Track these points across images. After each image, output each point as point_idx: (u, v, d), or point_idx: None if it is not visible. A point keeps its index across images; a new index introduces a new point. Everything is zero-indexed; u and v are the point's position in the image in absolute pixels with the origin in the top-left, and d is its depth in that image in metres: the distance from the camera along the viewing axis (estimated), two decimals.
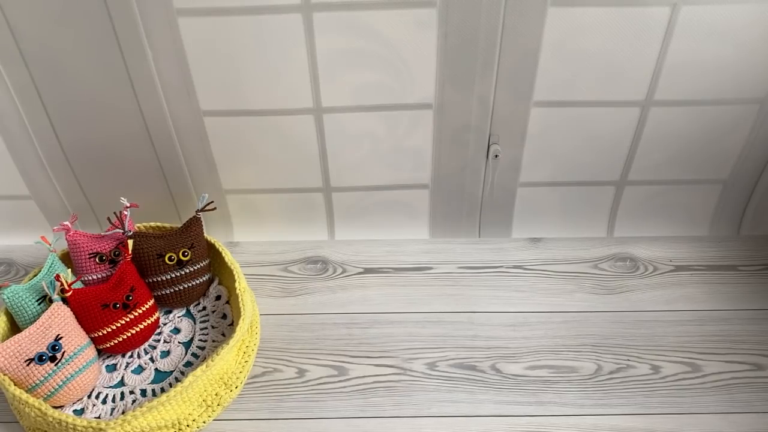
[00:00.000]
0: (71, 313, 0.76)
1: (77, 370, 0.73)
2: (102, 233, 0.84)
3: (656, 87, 0.81)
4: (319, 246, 0.97)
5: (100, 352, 0.79)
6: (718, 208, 0.95)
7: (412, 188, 0.93)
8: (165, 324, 0.84)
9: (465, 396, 0.76)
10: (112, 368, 0.79)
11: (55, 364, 0.71)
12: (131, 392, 0.76)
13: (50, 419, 0.68)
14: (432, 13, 0.74)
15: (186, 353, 0.81)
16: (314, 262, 0.94)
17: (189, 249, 0.83)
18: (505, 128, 0.85)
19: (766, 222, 0.96)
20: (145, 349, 0.81)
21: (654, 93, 0.81)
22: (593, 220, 0.97)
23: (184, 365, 0.79)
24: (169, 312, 0.85)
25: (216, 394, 0.74)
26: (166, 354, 0.81)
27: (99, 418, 0.74)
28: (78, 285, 0.79)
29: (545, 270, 0.92)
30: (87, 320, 0.76)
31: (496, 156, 0.88)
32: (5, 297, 0.76)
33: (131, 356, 0.80)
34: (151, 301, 0.81)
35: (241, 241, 0.98)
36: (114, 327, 0.77)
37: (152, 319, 0.80)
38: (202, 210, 0.85)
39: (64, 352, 0.72)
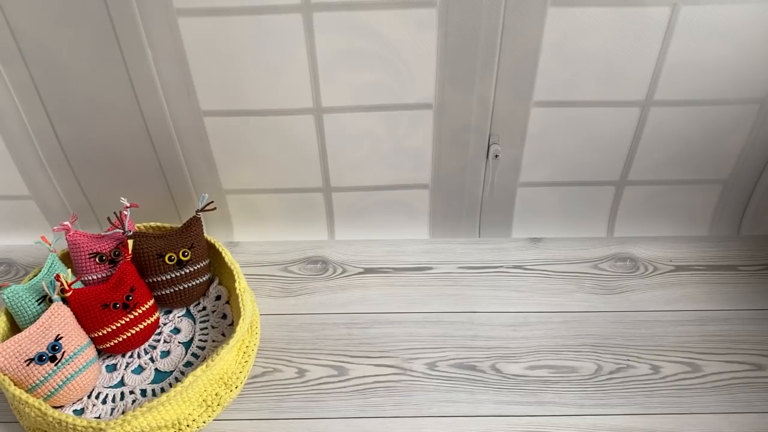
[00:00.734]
0: (71, 313, 0.76)
1: (77, 370, 0.73)
2: (102, 233, 0.84)
3: (656, 87, 0.81)
4: (319, 246, 0.97)
5: (100, 352, 0.79)
6: (718, 208, 0.95)
7: (412, 188, 0.93)
8: (165, 324, 0.84)
9: (465, 396, 0.76)
10: (112, 368, 0.79)
11: (55, 364, 0.71)
12: (131, 392, 0.76)
13: (50, 419, 0.68)
14: (432, 13, 0.74)
15: (186, 353, 0.81)
16: (314, 262, 0.94)
17: (189, 249, 0.83)
18: (505, 128, 0.85)
19: (766, 222, 0.96)
20: (145, 349, 0.81)
21: (654, 93, 0.81)
22: (593, 220, 0.97)
23: (184, 365, 0.79)
24: (169, 312, 0.85)
25: (216, 394, 0.74)
26: (166, 354, 0.81)
27: (99, 418, 0.74)
28: (78, 285, 0.79)
29: (545, 270, 0.92)
30: (87, 320, 0.76)
31: (496, 156, 0.88)
32: (5, 297, 0.76)
33: (131, 356, 0.80)
34: (151, 301, 0.81)
35: (241, 241, 0.98)
36: (114, 327, 0.77)
37: (152, 319, 0.80)
38: (202, 210, 0.85)
39: (64, 352, 0.72)
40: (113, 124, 0.84)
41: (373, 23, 0.75)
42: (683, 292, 0.88)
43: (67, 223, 0.82)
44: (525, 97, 0.82)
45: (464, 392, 0.77)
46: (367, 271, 0.93)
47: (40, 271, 0.80)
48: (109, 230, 0.83)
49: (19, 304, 0.76)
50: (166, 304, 0.84)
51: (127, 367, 0.79)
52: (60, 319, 0.74)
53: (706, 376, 0.78)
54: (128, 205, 0.83)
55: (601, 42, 0.77)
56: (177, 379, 0.78)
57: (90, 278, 0.83)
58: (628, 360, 0.80)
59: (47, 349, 0.72)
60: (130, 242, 0.81)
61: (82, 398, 0.75)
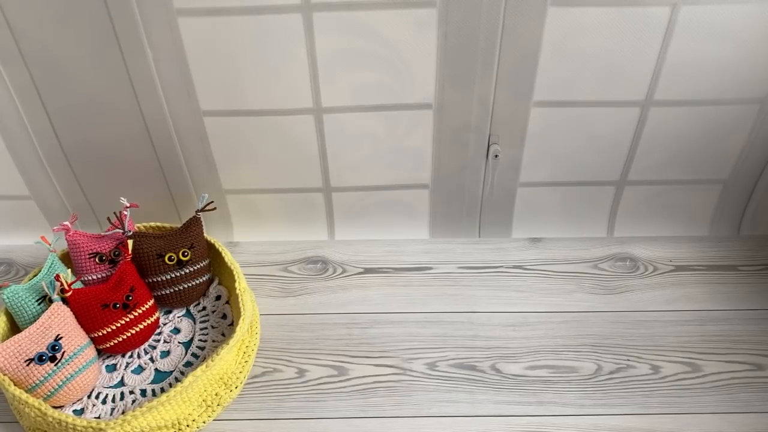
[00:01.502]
0: (71, 313, 0.76)
1: (77, 370, 0.73)
2: (102, 233, 0.84)
3: (656, 87, 0.81)
4: (319, 246, 0.97)
5: (100, 352, 0.79)
6: (718, 208, 0.95)
7: (412, 188, 0.93)
8: (165, 324, 0.84)
9: (465, 396, 0.76)
10: (112, 368, 0.79)
11: (55, 364, 0.71)
12: (131, 392, 0.76)
13: (50, 419, 0.68)
14: (432, 13, 0.74)
15: (186, 353, 0.81)
16: (314, 262, 0.94)
17: (189, 249, 0.83)
18: (505, 128, 0.85)
19: (766, 222, 0.96)
20: (145, 349, 0.81)
21: (654, 93, 0.81)
22: (593, 220, 0.97)
23: (184, 365, 0.79)
24: (169, 312, 0.85)
25: (216, 394, 0.74)
26: (166, 354, 0.81)
27: (99, 418, 0.74)
28: (78, 285, 0.79)
29: (545, 270, 0.92)
30: (87, 320, 0.76)
31: (496, 156, 0.88)
32: (5, 297, 0.76)
33: (131, 356, 0.80)
34: (151, 301, 0.81)
35: (241, 241, 0.98)
36: (114, 327, 0.77)
37: (152, 319, 0.80)
38: (202, 210, 0.85)
39: (64, 352, 0.72)
40: (113, 125, 0.84)
41: (373, 23, 0.75)
42: (683, 292, 0.88)
43: (67, 223, 0.82)
44: (525, 97, 0.82)
45: (464, 392, 0.77)
46: (367, 271, 0.93)
47: (40, 271, 0.80)
48: (109, 230, 0.83)
49: (19, 304, 0.76)
50: (166, 304, 0.84)
51: (127, 367, 0.79)
52: (60, 319, 0.74)
53: (706, 376, 0.78)
54: (128, 205, 0.83)
55: (601, 42, 0.77)
56: (177, 379, 0.78)
57: (90, 278, 0.83)
58: (628, 360, 0.80)
59: (47, 349, 0.72)
60: (130, 242, 0.81)
61: (82, 398, 0.75)
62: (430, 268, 0.93)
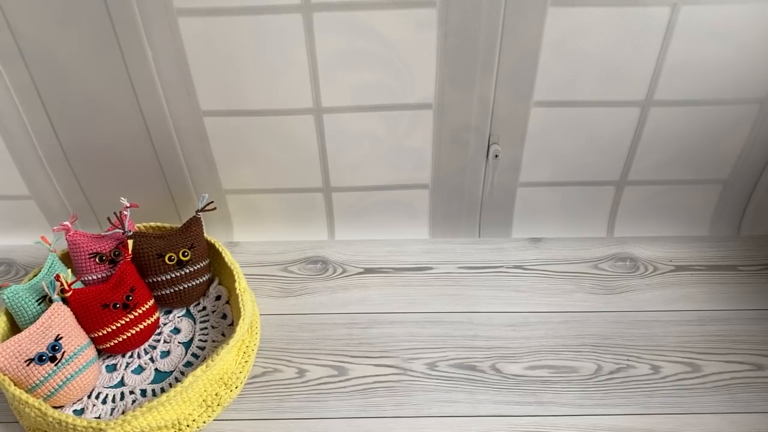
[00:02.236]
0: (71, 313, 0.76)
1: (77, 370, 0.73)
2: (102, 233, 0.84)
3: (656, 87, 0.81)
4: (319, 246, 0.97)
5: (100, 352, 0.79)
6: (718, 208, 0.95)
7: (412, 188, 0.93)
8: (165, 324, 0.84)
9: (465, 396, 0.76)
10: (112, 368, 0.79)
11: (55, 364, 0.71)
12: (131, 392, 0.76)
13: (50, 419, 0.68)
14: (432, 13, 0.74)
15: (186, 353, 0.81)
16: (314, 262, 0.94)
17: (189, 249, 0.83)
18: (505, 128, 0.85)
19: (766, 222, 0.96)
20: (145, 349, 0.81)
21: (654, 93, 0.81)
22: (593, 220, 0.97)
23: (184, 365, 0.79)
24: (169, 312, 0.85)
25: (216, 394, 0.74)
26: (166, 354, 0.81)
27: (99, 418, 0.74)
28: (78, 285, 0.79)
29: (545, 270, 0.92)
30: (87, 320, 0.76)
31: (496, 156, 0.88)
32: (5, 297, 0.76)
33: (131, 356, 0.80)
34: (151, 301, 0.81)
35: (241, 241, 0.98)
36: (114, 327, 0.77)
37: (152, 319, 0.80)
38: (202, 210, 0.85)
39: (64, 352, 0.72)
40: (113, 125, 0.85)
41: (373, 23, 0.75)
42: (683, 292, 0.88)
43: (67, 223, 0.82)
44: (525, 97, 0.82)
45: (464, 392, 0.77)
46: (367, 271, 0.93)
47: (40, 271, 0.80)
48: (109, 230, 0.83)
49: (19, 304, 0.76)
50: (166, 304, 0.84)
51: (127, 367, 0.79)
52: (60, 319, 0.74)
53: (706, 376, 0.78)
54: (128, 205, 0.83)
55: (601, 42, 0.77)
56: (177, 379, 0.78)
57: (90, 278, 0.83)
58: (628, 360, 0.80)
59: (47, 349, 0.72)
60: (130, 242, 0.81)
61: (82, 398, 0.75)
62: (430, 268, 0.93)
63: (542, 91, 0.81)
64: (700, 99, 0.82)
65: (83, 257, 0.82)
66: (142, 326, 0.79)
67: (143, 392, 0.77)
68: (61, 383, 0.72)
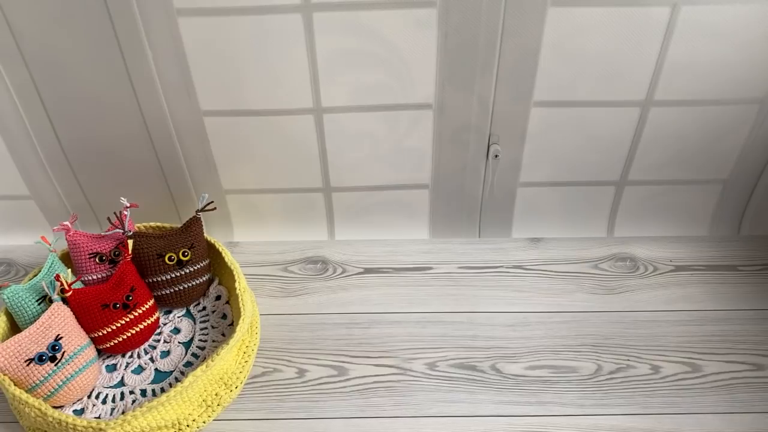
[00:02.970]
0: (71, 313, 0.76)
1: (77, 370, 0.73)
2: (102, 233, 0.84)
3: (656, 87, 0.81)
4: (319, 246, 0.97)
5: (100, 352, 0.79)
6: (718, 208, 0.95)
7: (412, 188, 0.93)
8: (165, 324, 0.84)
9: (465, 396, 0.76)
10: (112, 368, 0.79)
11: (55, 364, 0.71)
12: (131, 392, 0.76)
13: (50, 419, 0.68)
14: (432, 13, 0.74)
15: (186, 353, 0.81)
16: (314, 262, 0.94)
17: (189, 249, 0.83)
18: (505, 128, 0.85)
19: (766, 222, 0.96)
20: (145, 349, 0.81)
21: (654, 93, 0.81)
22: (593, 220, 0.97)
23: (184, 365, 0.79)
24: (169, 312, 0.85)
25: (216, 394, 0.74)
26: (166, 354, 0.81)
27: (99, 418, 0.74)
28: (78, 285, 0.79)
29: (545, 270, 0.92)
30: (87, 320, 0.76)
31: (496, 156, 0.88)
32: (5, 297, 0.76)
33: (131, 356, 0.80)
34: (151, 301, 0.81)
35: (241, 241, 0.98)
36: (114, 327, 0.77)
37: (152, 319, 0.80)
38: (202, 210, 0.85)
39: (64, 352, 0.72)
40: (113, 124, 0.85)
41: (373, 23, 0.75)
42: (683, 292, 0.88)
43: (67, 223, 0.82)
44: (525, 97, 0.82)
45: (464, 392, 0.77)
46: (367, 271, 0.93)
47: (40, 271, 0.80)
48: (109, 230, 0.83)
49: (19, 304, 0.76)
50: (166, 304, 0.84)
51: (127, 367, 0.79)
52: (60, 319, 0.74)
53: (706, 376, 0.78)
54: (128, 205, 0.83)
55: (601, 42, 0.77)
56: (177, 379, 0.78)
57: (90, 278, 0.83)
58: (628, 360, 0.80)
59: (47, 349, 0.72)
60: (130, 242, 0.81)
61: (82, 398, 0.75)
62: (430, 268, 0.93)
63: (542, 91, 0.81)
64: (700, 99, 0.82)
65: (83, 257, 0.82)
66: (142, 326, 0.79)
67: (143, 392, 0.77)
68: (61, 383, 0.72)
